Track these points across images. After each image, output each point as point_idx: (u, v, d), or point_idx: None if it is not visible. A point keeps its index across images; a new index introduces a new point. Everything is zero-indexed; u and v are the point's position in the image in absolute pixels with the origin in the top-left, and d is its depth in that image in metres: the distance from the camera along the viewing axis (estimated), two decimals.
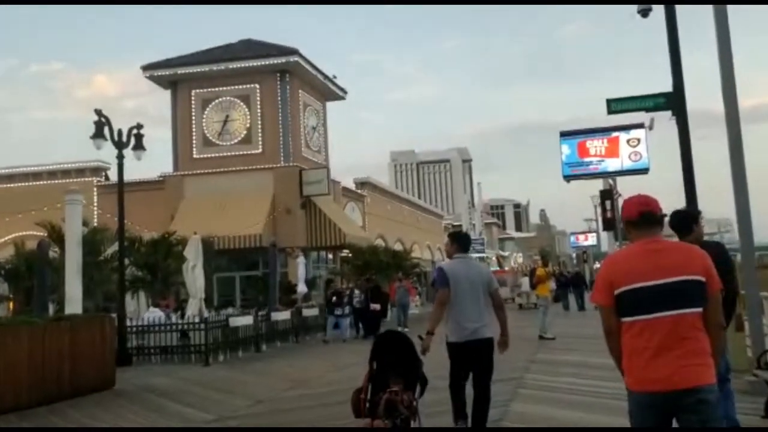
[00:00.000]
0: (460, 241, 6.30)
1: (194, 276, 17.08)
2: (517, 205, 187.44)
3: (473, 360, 5.93)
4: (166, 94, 29.63)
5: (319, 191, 27.50)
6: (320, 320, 20.49)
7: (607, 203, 24.06)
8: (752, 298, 8.16)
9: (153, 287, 19.35)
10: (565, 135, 17.33)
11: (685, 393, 3.09)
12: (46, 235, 18.62)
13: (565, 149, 17.18)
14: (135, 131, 16.09)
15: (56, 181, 28.51)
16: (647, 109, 10.99)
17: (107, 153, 16.11)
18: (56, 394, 10.14)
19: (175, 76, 28.76)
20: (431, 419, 6.48)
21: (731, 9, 9.03)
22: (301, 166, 27.94)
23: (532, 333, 15.92)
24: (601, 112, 11.79)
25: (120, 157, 15.67)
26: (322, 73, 30.53)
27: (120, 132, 15.74)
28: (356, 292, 20.84)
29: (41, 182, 29.15)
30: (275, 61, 27.99)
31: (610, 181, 24.32)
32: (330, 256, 30.88)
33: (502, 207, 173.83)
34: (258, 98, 28.39)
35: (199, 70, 28.44)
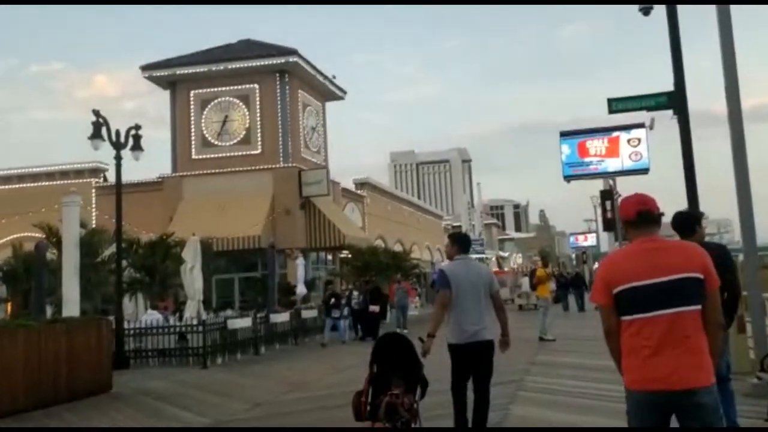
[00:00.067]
0: (460, 243, 6.24)
1: (192, 278, 16.99)
2: (516, 206, 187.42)
3: (473, 362, 5.89)
4: (165, 95, 29.55)
5: (318, 192, 27.41)
6: (319, 322, 20.40)
7: (608, 203, 23.99)
8: (755, 299, 8.08)
9: (151, 289, 19.26)
10: (565, 135, 17.29)
11: (682, 394, 3.09)
12: (43, 236, 18.55)
13: (565, 149, 17.14)
14: (133, 132, 16.02)
15: (54, 183, 28.42)
16: (648, 109, 10.93)
17: (106, 154, 16.03)
18: (53, 397, 10.06)
19: (174, 76, 28.68)
20: (432, 422, 6.44)
21: (732, 8, 8.95)
22: (300, 166, 27.86)
23: (532, 334, 15.84)
24: (602, 112, 11.73)
25: (118, 158, 15.59)
26: (322, 74, 30.46)
27: (118, 133, 15.66)
28: (355, 293, 20.75)
29: (39, 183, 29.05)
30: (274, 62, 27.90)
31: (610, 181, 24.25)
32: (329, 257, 30.80)
33: (502, 207, 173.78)
34: (257, 98, 28.31)
35: (198, 70, 28.35)
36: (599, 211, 32.44)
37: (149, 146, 16.61)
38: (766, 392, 6.86)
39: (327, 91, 31.84)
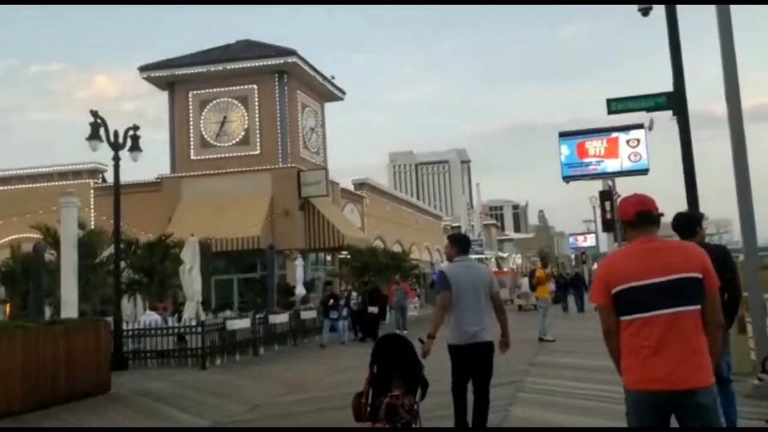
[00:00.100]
0: (460, 244, 6.23)
1: (191, 279, 16.95)
2: (515, 206, 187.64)
3: (473, 363, 5.88)
4: (165, 96, 29.50)
5: (317, 192, 27.37)
6: (318, 323, 20.35)
7: (607, 204, 23.98)
8: (755, 299, 8.05)
9: (150, 290, 19.22)
10: (564, 135, 17.25)
11: (682, 394, 3.09)
12: (41, 237, 18.50)
13: (565, 150, 17.09)
14: (131, 132, 15.98)
15: (53, 183, 28.33)
16: (648, 109, 10.91)
17: (105, 155, 15.99)
18: (51, 398, 10.03)
19: (172, 77, 28.63)
20: (432, 423, 6.43)
21: (732, 8, 8.92)
22: (299, 167, 27.82)
23: (531, 335, 15.81)
24: (601, 112, 11.69)
25: (116, 159, 15.56)
26: (321, 74, 30.41)
27: (116, 133, 15.62)
28: (354, 294, 20.71)
29: (38, 184, 28.97)
30: (273, 62, 27.85)
31: (610, 181, 24.23)
32: (329, 257, 30.76)
33: (501, 208, 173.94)
34: (256, 99, 28.26)
35: (196, 71, 28.30)
36: (598, 211, 32.44)
37: (148, 147, 16.57)
38: (767, 393, 6.83)
39: (326, 92, 31.80)
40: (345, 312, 19.70)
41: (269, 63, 27.86)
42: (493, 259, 61.82)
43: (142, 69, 28.66)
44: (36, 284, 15.66)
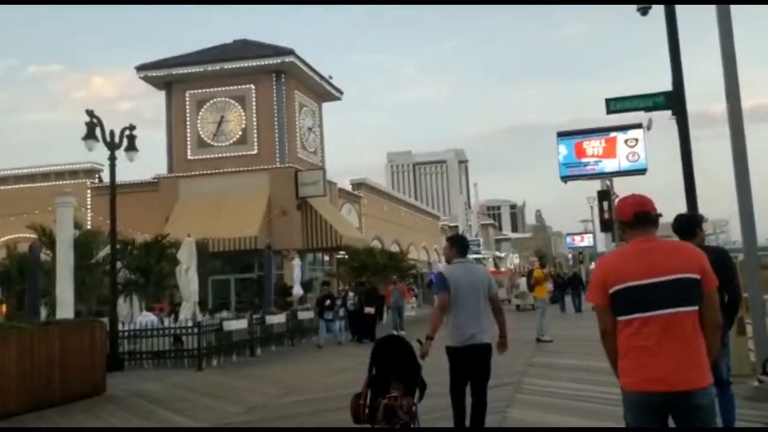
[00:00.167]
0: (458, 246, 6.21)
1: (188, 279, 16.89)
2: (513, 206, 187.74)
3: (470, 365, 5.86)
4: (162, 96, 29.40)
5: (315, 192, 27.31)
6: (315, 323, 20.27)
7: (605, 204, 23.97)
8: (755, 300, 8.00)
9: (146, 290, 19.13)
10: (562, 135, 17.23)
11: (681, 395, 3.08)
12: (37, 237, 18.42)
13: (563, 150, 17.07)
14: (127, 132, 15.89)
15: (50, 183, 28.25)
16: (647, 109, 10.87)
17: (102, 155, 15.91)
18: (45, 400, 9.96)
19: (169, 76, 28.54)
20: (430, 424, 6.42)
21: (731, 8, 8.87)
22: (296, 167, 27.75)
23: (529, 335, 15.77)
24: (600, 112, 11.67)
25: (112, 159, 15.48)
26: (318, 74, 30.35)
27: (112, 133, 15.54)
28: (350, 294, 20.64)
29: (35, 184, 28.88)
30: (271, 62, 27.78)
31: (608, 181, 24.22)
32: (326, 258, 30.69)
33: (499, 208, 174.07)
34: (253, 99, 28.18)
35: (193, 70, 28.21)
36: (596, 211, 32.46)
37: (146, 147, 16.51)
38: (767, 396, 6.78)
39: (324, 92, 31.74)
40: (342, 312, 19.62)
41: (266, 63, 27.78)
42: (490, 259, 61.79)
43: (139, 68, 28.58)
44: (32, 285, 15.60)
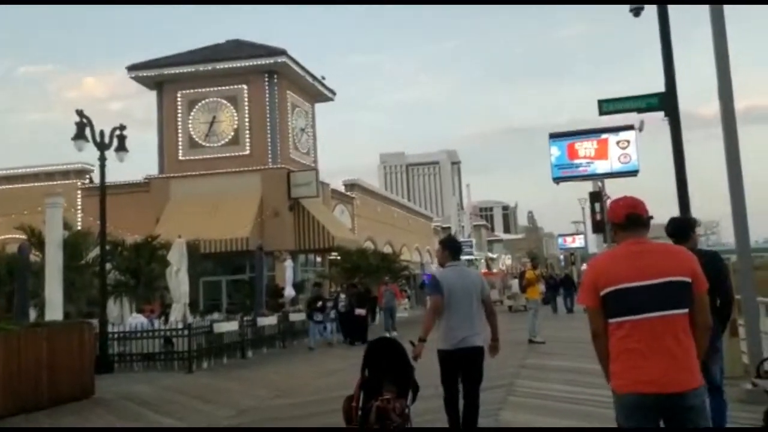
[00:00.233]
0: (451, 249, 6.19)
1: (178, 281, 16.77)
2: (505, 207, 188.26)
3: (462, 368, 5.84)
4: (153, 96, 29.24)
5: (307, 193, 27.22)
6: (307, 325, 20.18)
7: (597, 205, 24.00)
8: (749, 302, 7.98)
9: (136, 292, 18.98)
10: (554, 137, 17.20)
11: (673, 397, 3.08)
12: (26, 238, 18.24)
13: (555, 151, 17.04)
14: (117, 132, 15.77)
15: (40, 184, 28.00)
16: (640, 110, 10.84)
17: (93, 155, 15.78)
18: (33, 402, 9.85)
19: (161, 76, 28.39)
20: (423, 426, 6.33)
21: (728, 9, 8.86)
22: (289, 168, 27.66)
23: (521, 336, 15.74)
24: (592, 114, 11.64)
25: (102, 159, 15.36)
26: (311, 74, 30.27)
27: (102, 133, 15.42)
28: (342, 296, 20.55)
29: (25, 185, 28.64)
30: (263, 62, 27.68)
31: (599, 183, 24.25)
32: (318, 259, 30.60)
33: (491, 209, 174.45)
34: (245, 99, 28.08)
35: (185, 70, 28.08)
36: (587, 212, 32.52)
37: (137, 148, 16.42)
38: (761, 399, 6.74)
39: (316, 92, 31.67)
40: (333, 314, 19.53)
41: (259, 63, 27.69)
42: (483, 260, 61.83)
43: (131, 68, 28.42)
44: (21, 286, 15.43)
